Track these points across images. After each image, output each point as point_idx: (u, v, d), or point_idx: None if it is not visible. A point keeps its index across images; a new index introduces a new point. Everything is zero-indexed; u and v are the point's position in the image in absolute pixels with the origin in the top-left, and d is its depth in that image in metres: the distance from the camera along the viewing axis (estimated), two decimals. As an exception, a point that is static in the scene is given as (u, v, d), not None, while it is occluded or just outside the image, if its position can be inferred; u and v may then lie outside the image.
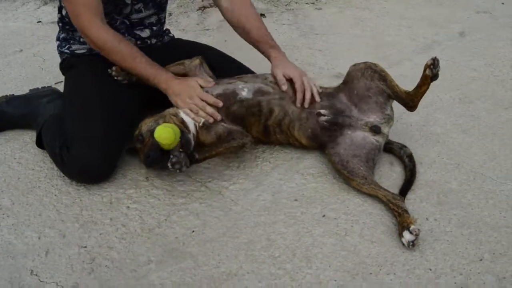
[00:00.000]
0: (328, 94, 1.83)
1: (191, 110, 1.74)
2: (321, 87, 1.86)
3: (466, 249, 1.45)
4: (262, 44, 1.95)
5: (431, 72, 1.65)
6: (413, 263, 1.41)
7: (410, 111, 1.80)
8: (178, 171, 1.55)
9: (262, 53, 1.97)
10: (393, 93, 1.76)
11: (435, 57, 1.65)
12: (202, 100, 1.74)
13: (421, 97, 1.73)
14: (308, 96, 1.78)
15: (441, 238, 1.49)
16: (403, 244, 1.45)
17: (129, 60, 1.78)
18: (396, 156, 1.85)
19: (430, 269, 1.39)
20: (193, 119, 1.73)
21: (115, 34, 1.79)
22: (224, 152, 1.74)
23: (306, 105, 1.77)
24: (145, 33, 2.02)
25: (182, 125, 1.70)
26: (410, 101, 1.74)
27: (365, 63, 1.81)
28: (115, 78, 1.84)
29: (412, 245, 1.44)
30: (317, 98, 1.79)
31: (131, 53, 1.78)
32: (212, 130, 1.74)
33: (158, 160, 1.59)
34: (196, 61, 1.90)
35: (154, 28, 2.05)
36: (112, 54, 1.78)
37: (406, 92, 1.74)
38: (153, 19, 2.04)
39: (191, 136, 1.67)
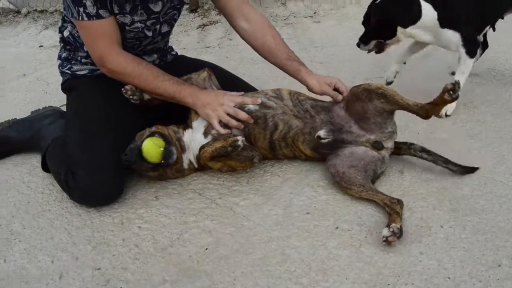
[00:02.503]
0: (325, 108, 1.81)
1: (220, 121, 1.72)
2: (317, 100, 1.85)
3: (483, 256, 1.44)
4: (291, 62, 1.91)
5: (450, 97, 1.56)
6: (431, 272, 1.39)
7: (424, 119, 1.71)
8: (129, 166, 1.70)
9: (290, 72, 1.92)
10: (399, 107, 1.68)
11: (457, 81, 1.55)
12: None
13: (438, 112, 1.65)
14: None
15: (457, 245, 1.48)
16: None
17: (152, 80, 1.73)
18: (409, 155, 1.83)
19: (449, 278, 1.37)
20: (217, 131, 1.73)
21: (134, 57, 1.76)
22: (235, 161, 1.73)
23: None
24: (152, 58, 2.01)
25: (177, 142, 1.75)
26: (423, 114, 1.64)
27: (358, 86, 1.74)
28: (130, 97, 1.77)
29: (384, 240, 1.46)
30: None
31: (152, 73, 1.74)
32: None
33: (132, 162, 1.67)
34: (204, 73, 1.87)
35: (161, 52, 2.06)
36: (135, 78, 1.74)
37: (416, 105, 1.63)
38: (162, 44, 2.03)
39: (174, 150, 1.69)
